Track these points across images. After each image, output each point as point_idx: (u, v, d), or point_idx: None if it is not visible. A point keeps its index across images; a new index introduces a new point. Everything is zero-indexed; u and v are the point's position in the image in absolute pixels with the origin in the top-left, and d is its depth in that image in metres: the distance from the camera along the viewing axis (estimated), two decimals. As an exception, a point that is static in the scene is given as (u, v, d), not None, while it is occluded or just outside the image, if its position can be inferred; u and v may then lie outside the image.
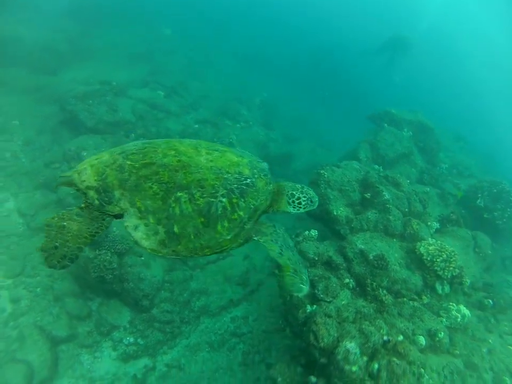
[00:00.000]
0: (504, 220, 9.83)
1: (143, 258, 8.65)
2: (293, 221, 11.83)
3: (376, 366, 4.68)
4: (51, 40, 15.93)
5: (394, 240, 7.61)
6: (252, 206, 3.21)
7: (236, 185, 3.12)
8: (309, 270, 6.56)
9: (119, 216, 3.00)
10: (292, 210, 3.76)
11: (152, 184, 2.93)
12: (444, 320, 6.17)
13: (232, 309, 9.40)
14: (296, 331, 6.30)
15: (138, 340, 8.03)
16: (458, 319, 6.14)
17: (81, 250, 2.86)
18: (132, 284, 8.18)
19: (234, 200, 3.08)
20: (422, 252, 6.89)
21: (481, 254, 8.40)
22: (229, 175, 3.14)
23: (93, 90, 12.59)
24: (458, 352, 5.71)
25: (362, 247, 6.92)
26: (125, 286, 8.16)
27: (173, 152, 3.14)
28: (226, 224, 3.03)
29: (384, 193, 8.14)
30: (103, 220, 3.01)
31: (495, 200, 10.03)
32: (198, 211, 2.93)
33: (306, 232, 7.51)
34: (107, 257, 7.84)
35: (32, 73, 14.03)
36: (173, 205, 2.90)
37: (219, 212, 2.99)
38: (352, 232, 7.70)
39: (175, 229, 2.89)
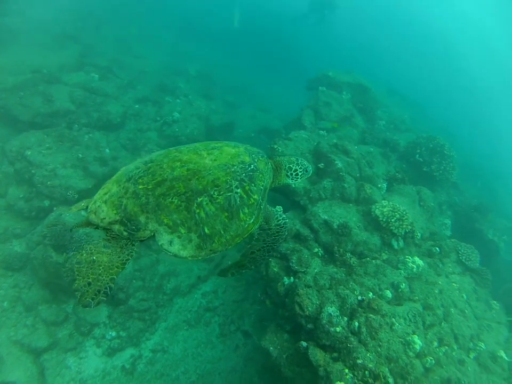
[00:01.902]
0: (440, 171, 11.24)
1: None
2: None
3: (356, 323, 5.62)
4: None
5: (351, 205, 8.54)
6: (262, 187, 3.68)
7: (244, 174, 3.51)
8: (281, 244, 7.28)
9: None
10: (290, 182, 4.43)
11: (172, 199, 3.12)
12: (402, 272, 7.27)
13: (201, 285, 10.08)
14: (276, 302, 7.04)
15: (120, 333, 8.45)
16: (414, 269, 7.28)
17: (114, 280, 2.95)
18: None
19: (247, 188, 3.48)
20: (377, 214, 7.88)
21: (425, 207, 9.68)
22: (235, 167, 3.50)
23: (23, 81, 11.71)
24: (417, 298, 6.85)
25: (326, 217, 7.75)
26: None
27: (178, 164, 3.34)
28: (246, 210, 3.44)
29: (336, 162, 8.97)
30: (133, 245, 3.16)
31: (431, 154, 11.37)
32: (220, 208, 3.25)
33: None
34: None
35: None
36: (197, 210, 3.15)
37: (238, 202, 3.37)
38: (311, 202, 8.48)
39: (206, 231, 3.18)
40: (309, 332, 5.93)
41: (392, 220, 7.73)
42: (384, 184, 9.59)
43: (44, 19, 16.53)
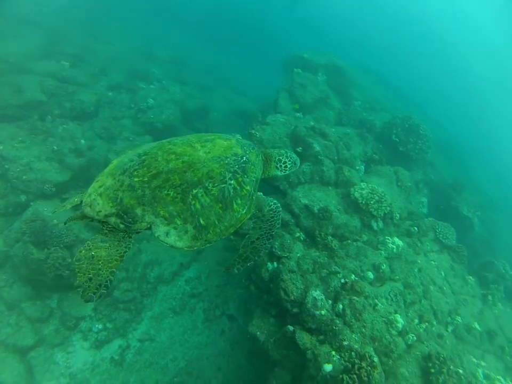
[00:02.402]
0: (416, 151, 11.50)
1: None
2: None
3: (340, 306, 5.79)
4: None
5: (330, 188, 8.66)
6: (254, 179, 3.83)
7: (237, 166, 3.65)
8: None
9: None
10: (279, 173, 4.63)
11: (168, 191, 3.20)
12: (383, 252, 7.49)
13: (184, 272, 10.13)
14: (261, 287, 7.15)
15: (107, 325, 8.46)
16: (394, 250, 7.51)
17: (114, 273, 2.99)
18: None
19: (240, 179, 3.62)
20: (356, 197, 8.03)
21: (402, 187, 9.92)
22: (228, 159, 3.63)
23: (-12, 71, 11.17)
24: (398, 277, 7.09)
25: (306, 202, 7.85)
26: None
27: (173, 156, 3.42)
28: (239, 201, 3.58)
29: (314, 145, 9.04)
30: (130, 237, 3.21)
31: (407, 134, 11.59)
32: (215, 199, 3.37)
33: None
34: (59, 254, 7.85)
35: None
36: (193, 202, 3.25)
37: (232, 194, 3.50)
38: (291, 186, 8.55)
39: (201, 222, 3.29)
40: (294, 315, 6.07)
41: (371, 202, 7.90)
42: (362, 166, 9.76)
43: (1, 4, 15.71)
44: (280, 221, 4.21)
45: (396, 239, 7.71)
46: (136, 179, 3.23)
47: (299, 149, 9.12)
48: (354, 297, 5.88)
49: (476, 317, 7.75)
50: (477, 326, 7.30)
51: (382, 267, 6.94)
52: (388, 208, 7.98)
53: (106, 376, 7.69)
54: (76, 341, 8.06)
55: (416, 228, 8.58)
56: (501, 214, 14.97)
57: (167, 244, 3.16)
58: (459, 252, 8.80)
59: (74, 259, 3.01)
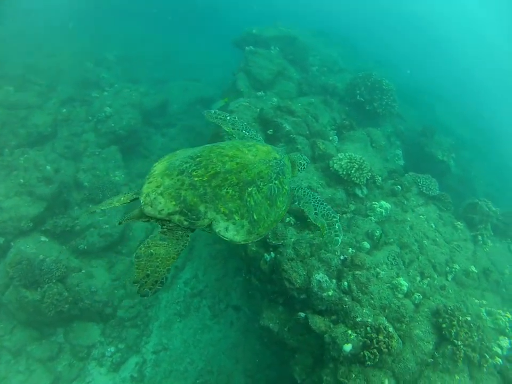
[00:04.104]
0: (383, 107, 11.70)
1: (83, 271, 8.80)
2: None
3: (345, 283, 5.98)
4: None
5: (309, 164, 8.74)
6: (289, 179, 4.46)
7: (278, 168, 4.19)
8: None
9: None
10: (299, 174, 5.48)
11: (226, 189, 3.54)
12: (373, 218, 7.71)
13: (181, 274, 10.27)
14: (262, 279, 7.26)
15: (119, 346, 8.56)
16: (383, 213, 7.74)
17: (169, 271, 3.18)
18: (87, 301, 8.39)
19: (281, 179, 4.16)
20: (336, 169, 8.15)
21: (377, 147, 10.14)
22: (271, 162, 4.15)
23: None
24: (392, 240, 7.34)
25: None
26: (82, 306, 8.34)
27: (227, 158, 3.79)
28: (281, 198, 4.08)
29: (284, 125, 9.06)
30: (187, 236, 3.41)
31: (371, 92, 11.75)
32: (264, 197, 3.82)
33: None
34: (54, 290, 7.78)
35: None
36: (248, 199, 3.64)
37: (276, 192, 3.99)
38: (270, 170, 8.58)
39: (255, 217, 3.67)
40: (302, 301, 6.24)
41: (352, 171, 8.04)
42: (335, 136, 9.86)
43: None
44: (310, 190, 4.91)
45: (382, 202, 7.93)
46: (196, 179, 3.51)
47: (270, 131, 9.12)
48: (357, 272, 6.08)
49: (470, 259, 8.15)
50: (473, 268, 7.68)
51: (376, 234, 7.16)
52: (369, 173, 8.16)
53: (130, 396, 7.81)
54: (92, 369, 8.14)
55: (399, 186, 8.82)
56: (472, 150, 15.56)
57: (226, 238, 3.45)
58: (444, 199, 9.14)
59: (134, 256, 3.16)
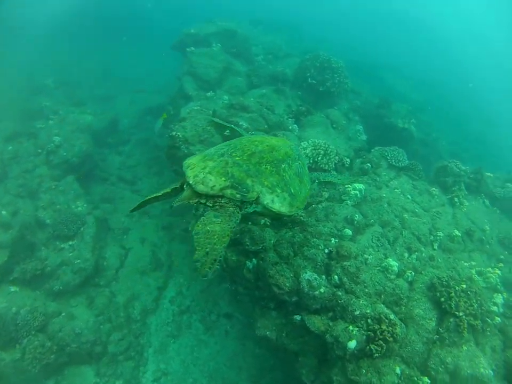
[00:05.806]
0: (336, 85, 11.61)
1: (63, 314, 8.35)
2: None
3: (336, 277, 5.79)
4: None
5: (273, 159, 8.51)
6: (305, 161, 5.14)
7: (297, 152, 4.67)
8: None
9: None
10: None
11: (265, 165, 3.93)
12: (349, 202, 7.54)
13: (165, 293, 9.96)
14: (248, 286, 6.98)
15: (116, 383, 8.19)
16: (358, 194, 7.59)
17: (224, 250, 3.29)
18: (74, 344, 7.96)
19: (302, 161, 4.68)
20: (303, 158, 7.96)
21: (339, 128, 10.03)
22: (292, 145, 4.66)
23: None
24: (372, 220, 7.21)
25: (258, 184, 7.65)
26: (69, 351, 7.90)
27: (257, 143, 4.23)
28: (306, 178, 4.55)
29: (241, 123, 8.80)
30: (238, 213, 3.62)
31: (321, 72, 11.64)
32: (294, 174, 4.25)
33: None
34: (36, 343, 7.30)
35: None
36: (283, 174, 4.03)
37: (301, 171, 4.44)
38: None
39: (292, 190, 4.05)
40: (295, 303, 6.01)
41: (319, 158, 7.88)
42: (295, 125, 9.66)
43: None
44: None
45: (356, 185, 7.78)
46: (237, 158, 3.88)
47: (227, 132, 8.80)
48: (345, 263, 5.88)
49: (452, 223, 8.19)
50: (457, 232, 7.68)
51: (355, 218, 7.01)
52: (337, 157, 8.04)
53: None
54: (95, 413, 7.74)
55: (368, 164, 8.73)
56: (429, 113, 15.81)
57: (274, 209, 3.78)
58: (414, 168, 9.13)
59: (193, 232, 3.30)
